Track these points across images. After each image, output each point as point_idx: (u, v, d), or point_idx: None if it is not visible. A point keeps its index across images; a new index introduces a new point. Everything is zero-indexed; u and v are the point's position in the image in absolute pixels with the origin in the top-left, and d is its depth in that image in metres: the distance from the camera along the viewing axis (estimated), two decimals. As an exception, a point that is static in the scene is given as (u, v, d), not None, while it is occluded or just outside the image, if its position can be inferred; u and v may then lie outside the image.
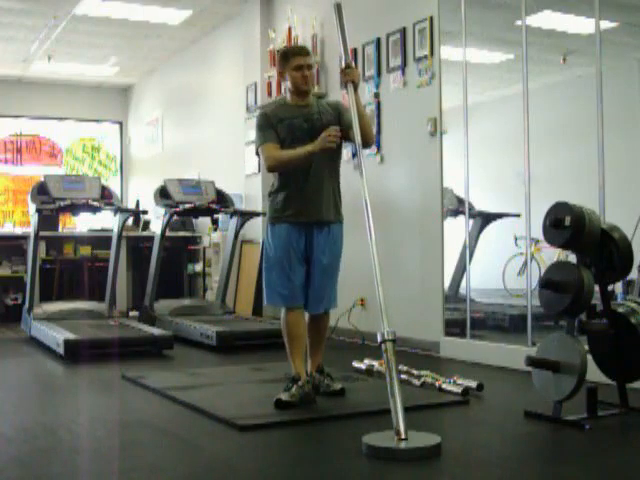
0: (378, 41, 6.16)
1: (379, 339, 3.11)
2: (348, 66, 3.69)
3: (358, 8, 6.50)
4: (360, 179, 3.46)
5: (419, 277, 5.67)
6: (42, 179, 6.57)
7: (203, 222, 8.47)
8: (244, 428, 3.19)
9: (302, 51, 3.89)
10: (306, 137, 3.74)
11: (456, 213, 5.44)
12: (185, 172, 8.80)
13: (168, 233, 7.28)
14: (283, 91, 4.01)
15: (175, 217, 7.18)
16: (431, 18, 5.53)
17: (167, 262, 7.90)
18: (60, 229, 8.83)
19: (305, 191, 3.77)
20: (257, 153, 3.91)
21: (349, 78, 3.67)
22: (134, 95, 11.87)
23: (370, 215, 3.37)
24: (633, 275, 3.83)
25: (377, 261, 3.27)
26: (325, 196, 3.81)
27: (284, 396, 3.61)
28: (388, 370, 3.01)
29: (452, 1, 5.31)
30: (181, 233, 8.85)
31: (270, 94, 7.29)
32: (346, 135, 3.75)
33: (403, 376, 4.18)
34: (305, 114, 3.80)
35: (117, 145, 12.22)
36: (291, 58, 3.82)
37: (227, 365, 5.12)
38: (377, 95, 6.15)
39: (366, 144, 3.74)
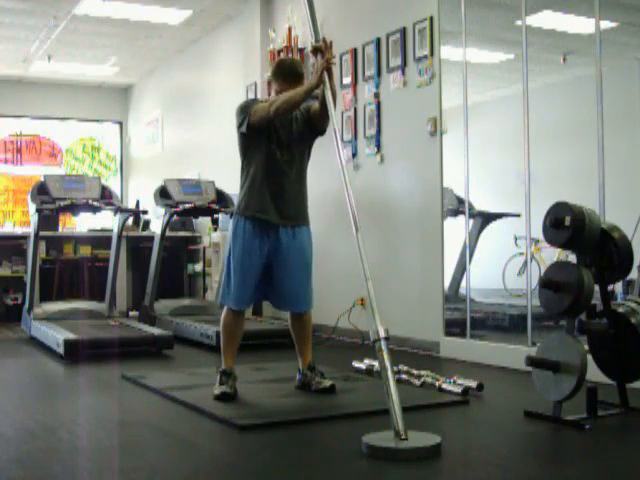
0: (378, 41, 6.15)
1: (371, 338, 3.05)
2: (318, 48, 3.62)
3: (358, 8, 6.51)
4: (344, 170, 3.41)
5: (419, 277, 5.66)
6: (42, 179, 6.57)
7: (203, 222, 8.46)
8: (244, 428, 3.19)
9: (294, 79, 3.83)
10: (283, 141, 3.78)
11: (456, 213, 5.44)
12: (185, 172, 8.80)
13: (168, 233, 7.27)
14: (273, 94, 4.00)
15: (175, 217, 7.18)
16: (431, 18, 5.53)
17: (167, 262, 7.89)
18: (60, 229, 8.81)
19: (276, 192, 3.76)
20: (246, 126, 3.73)
21: (325, 65, 3.57)
22: (134, 95, 11.87)
23: (354, 205, 3.33)
24: (633, 275, 3.83)
25: (364, 256, 3.24)
26: (296, 199, 3.82)
27: (225, 388, 3.70)
28: (383, 370, 2.97)
29: (452, 1, 5.31)
30: (181, 233, 8.85)
31: (270, 94, 7.27)
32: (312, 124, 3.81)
33: (403, 376, 4.18)
34: (283, 120, 3.81)
35: (117, 145, 12.21)
36: (280, 79, 3.84)
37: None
38: (377, 95, 6.15)
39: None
